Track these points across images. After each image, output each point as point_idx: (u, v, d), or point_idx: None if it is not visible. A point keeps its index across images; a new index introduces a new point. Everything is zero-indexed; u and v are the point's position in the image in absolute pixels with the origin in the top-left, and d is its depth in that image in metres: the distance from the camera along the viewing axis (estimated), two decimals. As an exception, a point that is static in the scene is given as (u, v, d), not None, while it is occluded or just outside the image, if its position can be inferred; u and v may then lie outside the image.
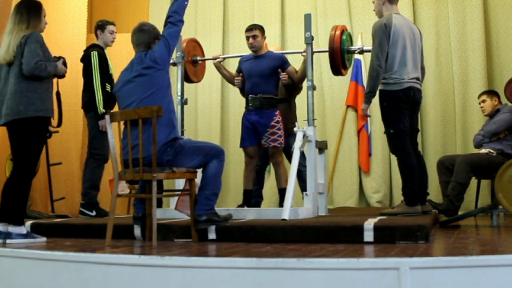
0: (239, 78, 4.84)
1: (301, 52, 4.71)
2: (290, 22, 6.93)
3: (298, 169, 3.99)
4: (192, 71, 5.01)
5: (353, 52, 4.44)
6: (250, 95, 4.65)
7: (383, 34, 3.95)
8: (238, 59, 5.01)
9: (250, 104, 4.64)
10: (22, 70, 3.43)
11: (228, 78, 5.01)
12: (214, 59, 4.94)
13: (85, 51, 4.95)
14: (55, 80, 3.78)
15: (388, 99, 4.01)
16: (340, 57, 4.27)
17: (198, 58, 4.99)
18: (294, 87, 5.01)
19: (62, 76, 3.80)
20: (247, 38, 4.71)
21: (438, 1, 6.36)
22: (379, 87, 4.04)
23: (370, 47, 4.14)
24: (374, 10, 4.23)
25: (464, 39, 6.16)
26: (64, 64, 3.72)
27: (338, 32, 4.27)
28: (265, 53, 4.74)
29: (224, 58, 5.13)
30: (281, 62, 4.68)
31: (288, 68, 4.71)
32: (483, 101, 4.96)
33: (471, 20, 6.10)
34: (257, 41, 4.67)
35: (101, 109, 4.65)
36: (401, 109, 4.00)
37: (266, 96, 4.60)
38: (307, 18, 4.30)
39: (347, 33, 4.39)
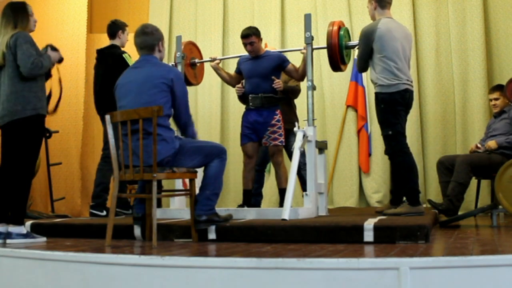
0: (240, 87, 4.77)
1: (300, 50, 4.65)
2: (290, 22, 6.92)
3: (299, 169, 3.99)
4: (192, 74, 4.99)
5: (351, 47, 4.44)
6: (250, 95, 4.64)
7: (365, 40, 4.08)
8: (237, 59, 4.98)
9: (251, 104, 4.62)
10: (17, 71, 3.42)
11: (227, 80, 4.95)
12: (212, 60, 4.90)
13: (106, 50, 4.88)
14: (55, 68, 3.77)
15: (385, 101, 4.05)
16: (338, 52, 4.26)
17: (196, 60, 4.96)
18: (291, 91, 5.03)
19: (60, 61, 3.77)
20: (245, 44, 4.65)
21: (438, 1, 6.35)
22: (376, 90, 4.12)
23: None
24: (369, 14, 4.32)
25: (464, 39, 6.15)
26: (54, 49, 3.68)
27: (335, 28, 4.26)
28: (264, 53, 4.71)
29: (221, 60, 5.12)
30: (280, 61, 4.65)
31: (288, 67, 4.66)
32: (496, 99, 4.86)
33: (471, 20, 6.10)
34: (254, 47, 4.62)
35: None
36: (397, 111, 4.05)
37: (267, 95, 4.58)
38: (307, 18, 4.30)
39: (345, 28, 4.39)
